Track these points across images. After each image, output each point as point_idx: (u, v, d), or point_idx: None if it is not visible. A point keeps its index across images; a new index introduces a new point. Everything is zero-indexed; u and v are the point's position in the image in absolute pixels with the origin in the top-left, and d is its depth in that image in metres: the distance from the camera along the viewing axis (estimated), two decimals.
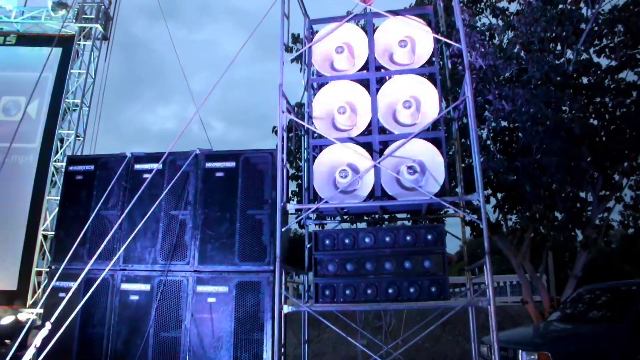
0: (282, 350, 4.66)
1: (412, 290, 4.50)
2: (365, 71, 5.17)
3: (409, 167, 4.55)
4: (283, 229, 4.71)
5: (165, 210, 5.28)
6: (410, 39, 5.04)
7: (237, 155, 5.32)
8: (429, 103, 4.86)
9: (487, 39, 8.13)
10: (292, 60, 6.21)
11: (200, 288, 4.99)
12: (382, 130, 4.94)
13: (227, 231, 5.09)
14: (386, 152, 4.75)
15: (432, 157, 4.67)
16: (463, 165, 7.28)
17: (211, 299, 4.93)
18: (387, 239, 4.68)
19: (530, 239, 9.30)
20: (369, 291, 4.60)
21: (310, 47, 5.41)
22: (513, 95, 7.26)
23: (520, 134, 8.13)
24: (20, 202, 10.05)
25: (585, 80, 8.59)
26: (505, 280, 15.25)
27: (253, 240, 5.02)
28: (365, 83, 5.09)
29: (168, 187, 5.17)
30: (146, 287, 5.12)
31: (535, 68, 7.51)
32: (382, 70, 5.18)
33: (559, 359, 5.31)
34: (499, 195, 9.04)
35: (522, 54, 8.05)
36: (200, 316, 4.92)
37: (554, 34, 8.18)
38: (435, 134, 4.88)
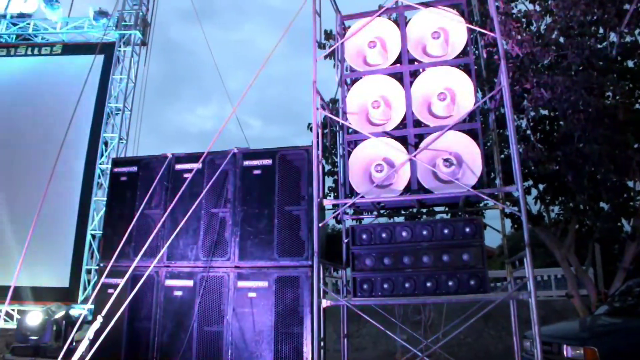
0: (322, 344, 4.73)
1: (450, 283, 4.47)
2: (398, 65, 5.15)
3: (445, 160, 4.51)
4: (320, 224, 4.76)
5: (206, 208, 5.43)
6: (443, 30, 4.98)
7: (273, 153, 5.41)
8: (464, 94, 4.79)
9: (524, 26, 7.89)
10: (325, 57, 6.23)
11: (241, 283, 5.11)
12: (417, 123, 4.91)
13: (265, 227, 5.20)
14: (421, 145, 4.72)
15: (468, 149, 4.61)
16: (502, 156, 7.14)
17: (252, 294, 5.04)
18: (425, 232, 4.66)
19: (574, 231, 9.00)
20: (407, 285, 4.60)
21: (342, 43, 5.43)
22: (552, 82, 7.02)
23: (561, 123, 7.87)
24: (69, 204, 10.54)
25: (630, 63, 8.22)
26: (550, 274, 14.85)
27: (291, 236, 5.10)
28: (398, 77, 5.07)
29: (208, 186, 5.31)
30: (189, 283, 5.30)
31: (575, 53, 7.24)
32: (416, 63, 5.14)
33: (606, 355, 5.14)
34: (541, 187, 8.79)
35: (561, 39, 7.78)
36: (242, 311, 5.04)
37: (594, 17, 7.85)
38: (472, 125, 4.81)
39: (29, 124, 11.21)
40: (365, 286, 4.72)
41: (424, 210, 5.77)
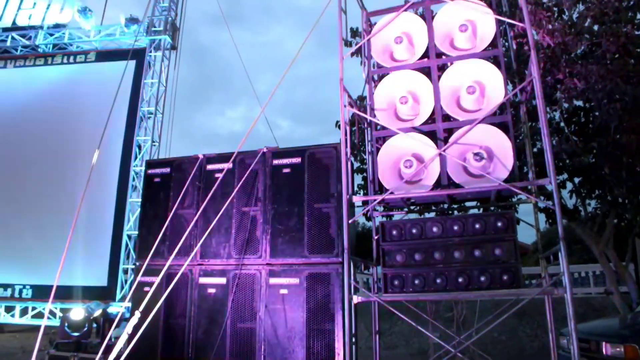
0: (354, 340, 4.74)
1: (482, 278, 4.41)
2: (425, 59, 5.11)
3: (476, 154, 4.46)
4: (350, 221, 4.78)
5: (237, 207, 5.52)
6: (470, 22, 4.91)
7: (302, 151, 5.46)
8: (494, 87, 4.72)
9: (555, 15, 7.68)
10: (351, 54, 6.24)
11: (273, 280, 5.17)
12: (446, 117, 4.87)
13: (295, 225, 5.24)
14: (451, 139, 4.67)
15: (499, 142, 4.54)
16: (535, 149, 6.99)
17: (283, 291, 5.10)
18: (455, 227, 4.62)
19: (613, 225, 8.71)
20: (438, 281, 4.57)
21: (369, 40, 5.43)
22: (586, 72, 6.82)
23: (596, 113, 7.64)
24: (106, 206, 10.90)
25: None
26: (588, 270, 14.42)
27: (321, 233, 5.13)
28: (426, 71, 5.03)
29: (239, 185, 5.40)
30: (222, 280, 5.40)
31: (610, 41, 7.01)
32: (443, 57, 5.09)
33: None
34: (576, 180, 8.55)
35: (595, 27, 7.54)
36: (274, 307, 5.10)
37: (630, 2, 7.59)
38: (502, 118, 4.73)
39: (67, 130, 11.64)
40: (396, 282, 4.71)
41: (455, 206, 5.69)
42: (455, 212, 5.84)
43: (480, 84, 4.71)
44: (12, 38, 12.87)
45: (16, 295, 10.88)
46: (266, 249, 5.29)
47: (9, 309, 11.10)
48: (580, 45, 7.24)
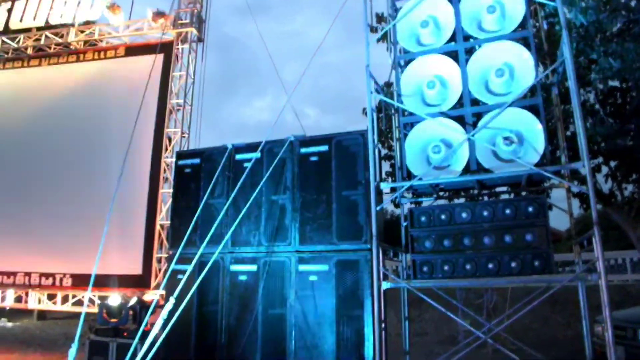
0: (383, 326, 4.77)
1: (513, 264, 4.37)
2: (452, 43, 5.04)
3: (505, 138, 4.39)
4: (378, 208, 4.79)
5: (266, 195, 5.59)
6: (499, 3, 4.81)
7: (329, 139, 5.47)
8: (524, 69, 4.61)
9: None
10: (377, 40, 6.20)
11: (302, 267, 5.23)
12: (475, 101, 4.80)
13: (324, 212, 5.27)
14: (480, 124, 4.61)
15: (530, 126, 4.45)
16: (568, 133, 6.79)
17: (313, 277, 5.16)
18: (485, 213, 4.57)
19: None
20: (467, 267, 4.55)
21: (394, 25, 5.37)
22: (622, 51, 6.55)
23: (633, 94, 7.36)
24: (139, 197, 11.18)
25: None
26: (625, 257, 14.01)
27: (349, 220, 5.15)
28: (453, 55, 4.96)
29: (267, 174, 5.46)
30: (253, 267, 5.50)
31: None
32: (471, 39, 5.01)
33: None
34: (612, 164, 8.27)
35: (632, 3, 7.22)
36: (304, 294, 5.16)
37: None
38: (533, 100, 4.63)
39: (99, 124, 11.96)
40: (425, 268, 4.71)
41: (485, 192, 5.62)
42: (485, 198, 5.76)
43: (509, 67, 4.62)
44: (46, 37, 13.27)
45: (57, 283, 11.34)
46: (295, 237, 5.34)
47: (51, 297, 11.61)
48: (616, 22, 6.96)
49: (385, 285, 4.68)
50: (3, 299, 11.83)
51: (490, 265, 4.44)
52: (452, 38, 5.05)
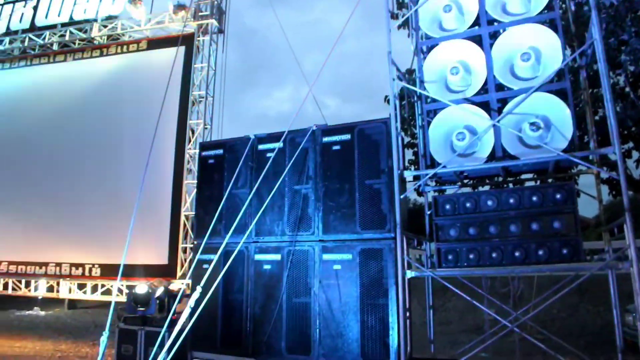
0: (407, 314, 4.76)
1: (540, 252, 4.29)
2: (476, 27, 4.94)
3: (532, 124, 4.29)
4: (401, 196, 4.76)
5: (289, 185, 5.61)
6: None
7: (351, 128, 5.43)
8: (551, 52, 4.49)
9: None
10: (398, 27, 6.11)
11: (326, 256, 5.24)
12: (500, 87, 4.71)
13: (347, 202, 5.26)
14: (505, 109, 4.52)
15: (557, 111, 4.35)
16: (597, 117, 6.62)
17: (337, 266, 5.16)
18: (511, 200, 4.50)
19: None
20: (493, 255, 4.49)
21: (416, 10, 5.29)
22: None
23: None
24: (164, 189, 11.36)
25: None
26: None
27: (372, 209, 5.13)
28: (477, 40, 4.87)
29: (290, 164, 5.47)
30: (277, 256, 5.54)
31: None
32: (495, 23, 4.90)
33: None
34: None
35: None
36: (328, 282, 5.18)
37: None
38: (560, 85, 4.52)
39: (123, 118, 12.16)
40: (450, 257, 4.67)
41: (510, 180, 5.52)
42: (510, 186, 5.67)
43: (535, 50, 4.51)
44: (70, 32, 13.51)
45: (86, 273, 11.65)
46: (318, 226, 5.36)
47: (81, 287, 11.94)
48: None
49: (409, 274, 4.67)
50: (36, 288, 12.24)
51: (517, 254, 4.37)
52: (476, 22, 4.94)
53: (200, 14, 12.25)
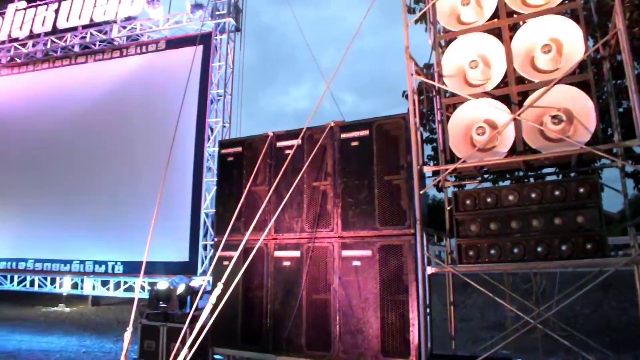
0: (428, 310, 4.74)
1: (564, 247, 4.22)
2: (495, 20, 4.88)
3: (554, 117, 4.23)
4: (421, 192, 4.73)
5: (308, 182, 5.62)
6: None
7: (369, 124, 5.41)
8: (572, 44, 4.41)
9: None
10: (416, 21, 6.05)
11: (346, 253, 5.24)
12: (520, 80, 4.64)
13: (366, 198, 5.25)
14: (526, 102, 4.46)
15: (579, 103, 4.27)
16: (621, 109, 6.47)
17: (356, 263, 5.16)
18: (533, 195, 4.44)
19: None
20: (515, 250, 4.44)
21: (434, 4, 5.25)
22: None
23: None
24: (184, 187, 11.49)
25: None
26: None
27: (392, 205, 5.10)
28: (496, 32, 4.81)
29: (308, 161, 5.48)
30: (296, 253, 5.56)
31: None
32: (515, 15, 4.82)
33: None
34: None
35: None
36: (347, 279, 5.18)
37: None
38: (582, 77, 4.43)
39: (144, 117, 12.33)
40: (470, 252, 4.63)
41: (532, 174, 5.44)
42: (531, 180, 5.59)
43: (556, 42, 4.43)
44: (91, 34, 13.75)
45: (109, 271, 11.88)
46: (338, 222, 5.36)
47: (104, 284, 12.19)
48: None
49: (430, 270, 4.64)
50: (61, 285, 12.53)
51: (539, 249, 4.31)
52: (495, 15, 4.88)
53: (217, 12, 12.34)
